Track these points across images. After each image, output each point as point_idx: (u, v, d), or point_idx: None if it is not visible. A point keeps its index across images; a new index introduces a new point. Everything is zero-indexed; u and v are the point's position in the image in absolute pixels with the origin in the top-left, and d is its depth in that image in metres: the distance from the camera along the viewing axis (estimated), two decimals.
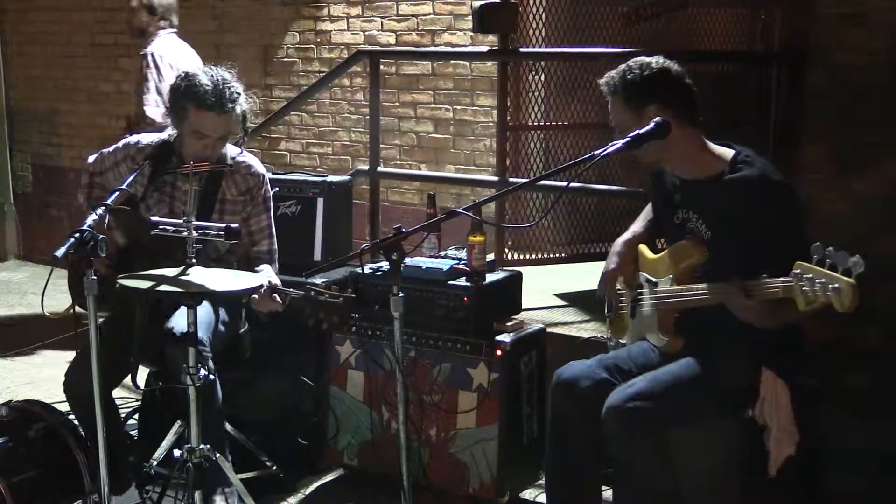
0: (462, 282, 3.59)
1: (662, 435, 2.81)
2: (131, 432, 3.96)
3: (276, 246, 3.61)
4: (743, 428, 2.89)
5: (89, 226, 2.77)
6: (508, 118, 4.64)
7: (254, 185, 3.54)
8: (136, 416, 3.98)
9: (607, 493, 3.18)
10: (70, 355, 3.44)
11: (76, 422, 3.43)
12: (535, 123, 4.76)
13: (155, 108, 5.11)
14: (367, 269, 3.69)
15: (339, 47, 6.15)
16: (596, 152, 2.75)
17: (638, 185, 4.26)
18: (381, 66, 5.05)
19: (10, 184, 8.15)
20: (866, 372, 3.72)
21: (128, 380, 3.30)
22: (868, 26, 4.05)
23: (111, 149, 3.62)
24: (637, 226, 3.24)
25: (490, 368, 3.50)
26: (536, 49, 4.69)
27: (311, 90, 5.40)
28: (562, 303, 4.43)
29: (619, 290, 3.19)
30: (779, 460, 2.79)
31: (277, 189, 3.77)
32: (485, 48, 5.26)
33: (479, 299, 3.55)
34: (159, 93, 5.07)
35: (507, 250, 4.70)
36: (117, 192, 3.02)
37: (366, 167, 4.97)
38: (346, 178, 4.54)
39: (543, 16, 4.69)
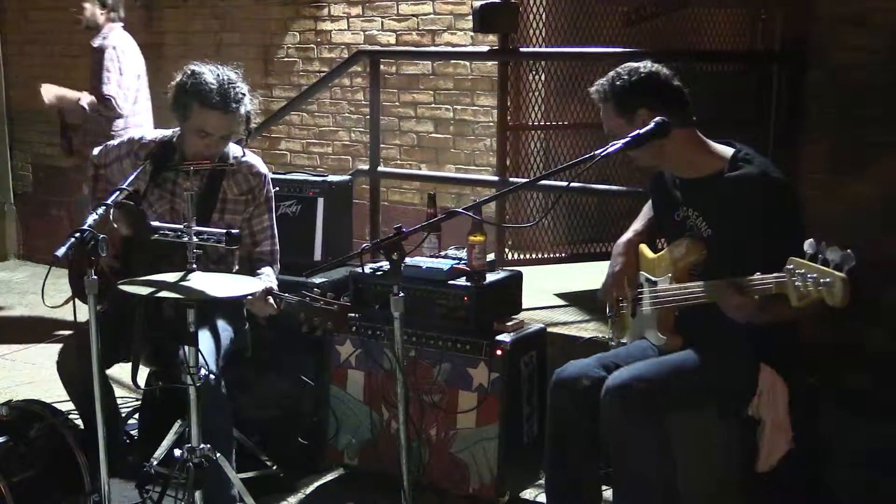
0: (462, 281, 3.60)
1: (660, 418, 2.81)
2: (132, 432, 3.96)
3: (277, 246, 3.61)
4: (742, 424, 2.89)
5: (90, 225, 2.77)
6: (509, 118, 4.64)
7: (256, 185, 3.54)
8: (137, 415, 3.99)
9: (607, 493, 3.18)
10: None
11: (77, 420, 3.44)
12: (536, 123, 4.76)
13: (116, 87, 5.24)
14: (367, 269, 3.69)
15: (339, 47, 6.15)
16: (596, 152, 2.76)
17: (638, 185, 4.26)
18: (382, 66, 5.05)
19: (11, 183, 8.15)
20: (868, 372, 3.73)
21: (129, 380, 3.30)
22: (868, 26, 4.05)
23: (116, 142, 3.64)
24: (637, 225, 3.25)
25: (490, 368, 3.50)
26: (537, 49, 4.70)
27: (312, 90, 5.41)
28: (562, 302, 4.43)
29: (623, 291, 3.20)
30: (772, 457, 2.80)
31: (277, 189, 3.77)
32: (485, 48, 5.26)
33: (479, 299, 3.55)
34: (119, 85, 5.24)
35: (507, 250, 4.70)
36: (118, 192, 3.02)
37: (366, 167, 4.97)
38: (346, 177, 4.54)
39: (544, 16, 4.69)
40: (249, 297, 3.04)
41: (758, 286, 2.55)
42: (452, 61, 5.70)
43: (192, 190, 2.99)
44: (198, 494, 2.97)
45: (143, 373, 3.56)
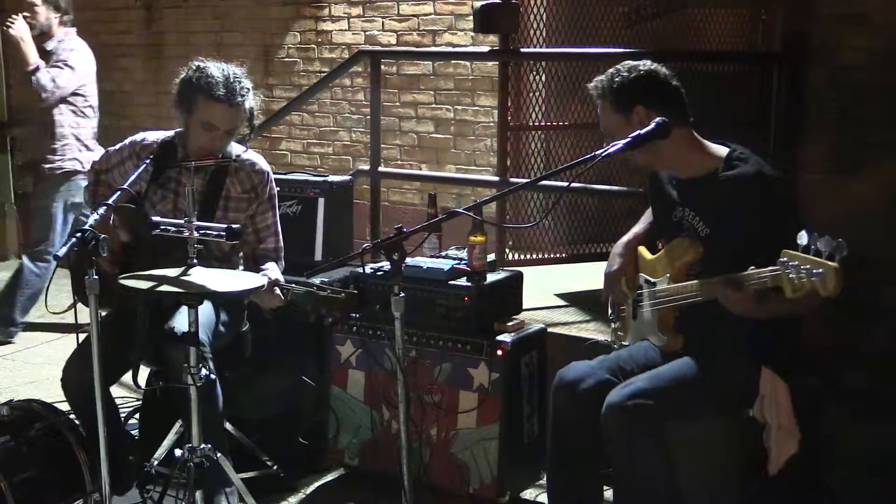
0: (463, 282, 3.60)
1: (662, 433, 2.82)
2: (132, 432, 3.96)
3: (281, 244, 3.61)
4: (743, 427, 2.90)
5: (91, 226, 2.78)
6: (509, 118, 4.64)
7: (258, 183, 3.55)
8: (137, 415, 3.99)
9: (608, 494, 3.18)
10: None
11: (76, 420, 3.44)
12: (536, 123, 4.76)
13: (54, 78, 5.31)
14: (367, 269, 3.69)
15: (339, 47, 6.16)
16: (597, 152, 2.76)
17: (638, 186, 4.26)
18: (382, 66, 5.05)
19: (11, 183, 8.15)
20: (869, 372, 3.73)
21: (129, 379, 3.30)
22: (868, 26, 4.06)
23: (117, 147, 3.64)
24: (638, 227, 3.26)
25: (491, 368, 3.50)
26: (537, 49, 4.70)
27: (312, 90, 5.41)
28: (562, 303, 4.43)
29: (621, 292, 3.20)
30: (780, 459, 2.79)
31: (278, 189, 3.77)
32: (485, 48, 5.27)
33: (479, 299, 3.55)
34: (58, 86, 5.32)
35: (507, 250, 4.70)
36: (119, 192, 3.02)
37: (367, 167, 4.98)
38: (346, 177, 4.54)
39: (544, 16, 4.69)
40: (254, 291, 3.04)
41: (754, 280, 2.56)
42: (453, 61, 5.71)
43: (193, 185, 3.00)
44: (198, 494, 2.97)
45: (144, 373, 3.56)
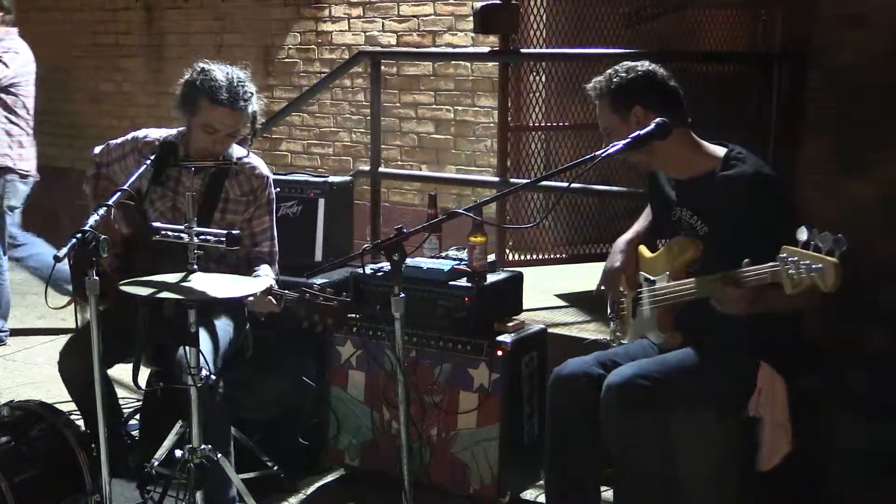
0: (463, 282, 3.60)
1: (659, 415, 2.82)
2: (132, 432, 3.97)
3: (276, 248, 3.62)
4: (741, 422, 2.90)
5: (91, 226, 2.78)
6: (509, 119, 4.64)
7: (257, 187, 3.55)
8: (138, 416, 3.99)
9: (607, 494, 3.18)
10: None
11: (78, 420, 3.44)
12: (536, 124, 4.76)
13: None
14: (368, 270, 3.70)
15: (340, 48, 6.16)
16: (597, 153, 2.77)
17: (638, 186, 4.26)
18: (382, 67, 5.06)
19: None
20: (869, 372, 3.73)
21: (129, 380, 3.30)
22: (868, 27, 4.06)
23: (119, 140, 3.64)
24: (638, 225, 3.27)
25: (491, 369, 3.50)
26: (537, 50, 4.71)
27: (313, 91, 5.41)
28: (563, 303, 4.44)
29: (620, 290, 3.21)
30: (773, 457, 2.80)
31: (279, 189, 3.78)
32: (486, 49, 5.27)
33: (479, 300, 3.55)
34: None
35: (507, 251, 4.70)
36: (119, 192, 3.02)
37: (367, 168, 4.98)
38: (347, 178, 4.54)
39: (544, 17, 4.70)
40: (251, 297, 3.05)
41: (753, 276, 2.56)
42: (453, 62, 5.71)
43: (193, 191, 3.00)
44: (199, 495, 2.97)
45: (144, 373, 3.57)
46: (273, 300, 3.08)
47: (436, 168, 5.83)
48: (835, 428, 3.25)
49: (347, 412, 3.79)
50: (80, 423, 3.46)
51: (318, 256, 4.24)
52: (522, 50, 4.66)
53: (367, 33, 6.03)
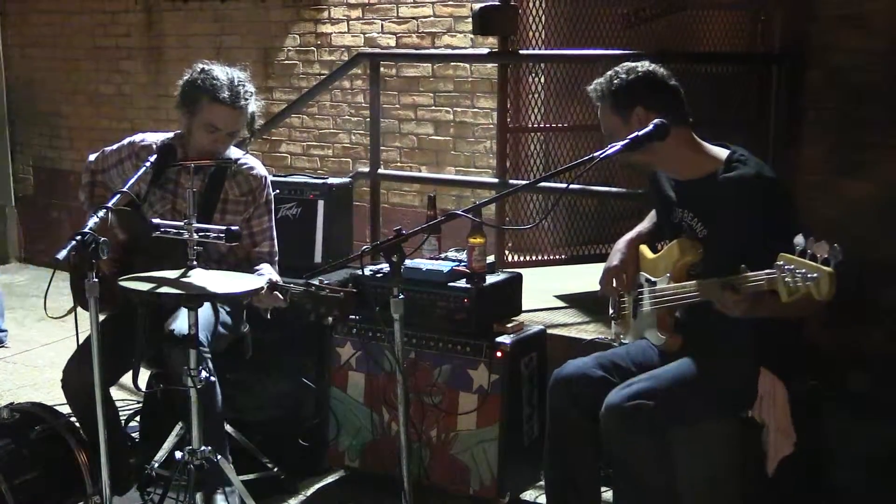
0: (462, 283, 3.60)
1: (662, 434, 2.82)
2: (133, 434, 3.97)
3: (276, 248, 3.62)
4: (743, 428, 2.90)
5: (90, 228, 2.78)
6: (508, 120, 4.64)
7: (256, 187, 3.56)
8: (138, 418, 3.99)
9: (607, 495, 3.18)
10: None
11: (76, 423, 3.44)
12: (535, 125, 4.76)
13: None
14: (367, 271, 3.70)
15: (339, 49, 6.16)
16: (596, 154, 2.77)
17: (638, 187, 4.26)
18: (382, 69, 5.06)
19: (12, 186, 8.17)
20: (868, 373, 3.73)
21: (129, 382, 3.31)
22: (867, 28, 4.06)
23: (114, 146, 3.64)
24: (642, 226, 3.26)
25: (490, 370, 3.50)
26: (536, 51, 4.70)
27: (312, 92, 5.42)
28: (562, 304, 4.44)
29: (620, 289, 3.21)
30: (776, 460, 2.80)
31: (278, 191, 3.78)
32: (485, 50, 5.27)
33: (479, 301, 3.56)
34: None
35: (507, 252, 4.70)
36: (118, 195, 3.02)
37: (366, 169, 4.98)
38: (346, 180, 4.54)
39: (543, 18, 4.70)
40: (253, 294, 3.05)
41: (751, 283, 2.56)
42: (452, 63, 5.71)
43: (193, 187, 3.00)
44: (199, 496, 2.98)
45: (144, 376, 3.57)
46: (279, 295, 3.09)
47: (435, 169, 5.83)
48: (835, 429, 3.25)
49: (347, 413, 3.79)
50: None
51: (318, 258, 4.24)
52: (521, 51, 4.66)
53: (367, 35, 6.04)
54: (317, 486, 3.88)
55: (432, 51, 5.77)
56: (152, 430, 3.73)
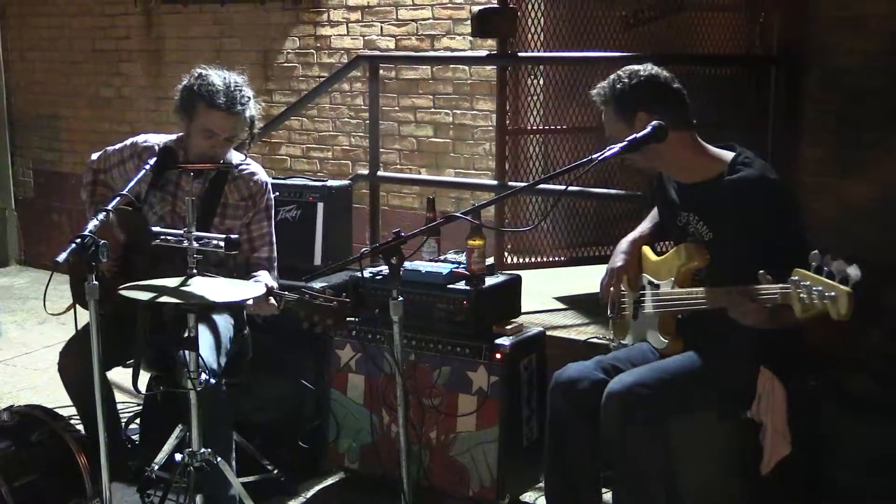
0: (461, 285, 3.60)
1: (660, 423, 2.82)
2: (133, 437, 3.97)
3: (275, 254, 3.63)
4: (741, 426, 2.90)
5: (90, 231, 2.78)
6: (507, 122, 4.65)
7: (256, 192, 3.57)
8: (138, 420, 4.00)
9: (606, 497, 3.19)
10: None
11: (78, 425, 3.45)
12: (534, 127, 4.76)
13: None
14: (366, 274, 3.70)
15: (338, 52, 6.17)
16: (594, 156, 2.77)
17: (637, 189, 4.27)
18: (381, 71, 5.07)
19: (12, 189, 8.17)
20: (868, 373, 3.74)
21: (129, 385, 3.31)
22: (865, 29, 4.07)
23: (117, 146, 3.65)
24: (644, 226, 3.26)
25: (490, 371, 3.51)
26: (535, 53, 4.71)
27: (311, 95, 5.42)
28: (561, 306, 4.44)
29: (622, 290, 3.21)
30: (772, 460, 2.80)
31: (277, 194, 3.79)
32: (484, 53, 5.27)
33: (478, 303, 3.56)
34: None
35: (506, 254, 4.71)
36: (118, 198, 3.03)
37: (366, 171, 4.98)
38: (346, 182, 4.55)
39: (542, 20, 4.70)
40: (251, 301, 3.06)
41: (763, 296, 2.56)
42: (451, 66, 5.72)
43: (193, 195, 3.01)
44: (199, 498, 2.98)
45: (144, 378, 3.57)
46: (273, 302, 3.09)
47: (434, 172, 5.84)
48: (836, 430, 3.25)
49: (347, 415, 3.79)
50: (80, 427, 3.46)
51: (318, 260, 4.24)
52: (520, 53, 4.66)
53: (366, 37, 6.04)
54: (316, 487, 3.88)
55: (431, 53, 5.78)
56: (152, 433, 3.73)
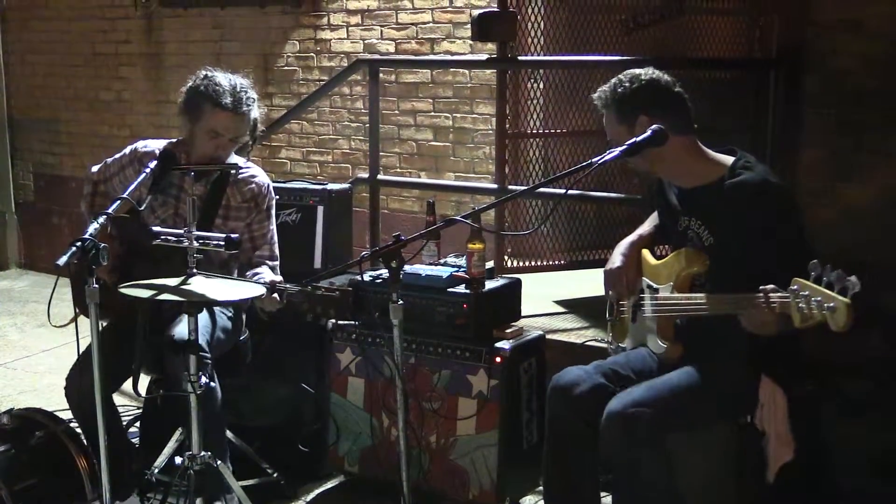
0: (461, 289, 3.61)
1: (661, 442, 2.82)
2: (133, 440, 3.97)
3: (277, 253, 3.64)
4: (743, 434, 2.90)
5: (91, 234, 2.79)
6: (507, 126, 4.65)
7: (258, 194, 3.58)
8: (138, 423, 4.00)
9: (606, 500, 3.19)
10: (72, 363, 3.45)
11: (78, 429, 3.45)
12: (534, 131, 4.77)
13: None
14: (366, 277, 3.70)
15: (338, 56, 6.17)
16: (594, 160, 2.77)
17: (637, 193, 4.27)
18: (381, 75, 5.07)
19: (12, 192, 8.17)
20: (867, 378, 3.73)
21: (129, 388, 3.31)
22: (864, 32, 4.08)
23: (117, 156, 3.66)
24: (643, 229, 3.26)
25: (490, 375, 3.51)
26: (535, 57, 4.71)
27: (312, 98, 5.43)
28: (561, 310, 4.45)
29: (620, 292, 3.21)
30: (776, 468, 2.80)
31: (278, 197, 3.79)
32: (484, 56, 5.28)
33: (478, 306, 3.56)
34: None
35: (506, 257, 4.70)
36: (119, 202, 3.03)
37: (366, 175, 4.99)
38: (346, 185, 4.55)
39: (542, 24, 4.70)
40: (253, 299, 3.06)
41: (763, 304, 2.55)
42: (451, 69, 5.72)
43: (194, 195, 3.02)
44: (199, 502, 2.98)
45: (144, 381, 3.57)
46: (276, 296, 3.10)
47: (434, 175, 5.84)
48: (835, 434, 3.25)
49: (347, 419, 3.79)
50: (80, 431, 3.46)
51: (318, 263, 4.25)
52: (520, 57, 4.66)
53: (366, 41, 6.05)
54: (316, 491, 3.88)
55: (431, 57, 5.79)
56: (152, 436, 3.73)
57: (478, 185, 5.46)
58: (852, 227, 3.97)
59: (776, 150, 4.36)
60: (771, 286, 2.52)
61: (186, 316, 2.95)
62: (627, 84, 2.89)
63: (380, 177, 4.95)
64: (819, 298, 2.35)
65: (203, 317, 3.26)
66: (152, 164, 3.19)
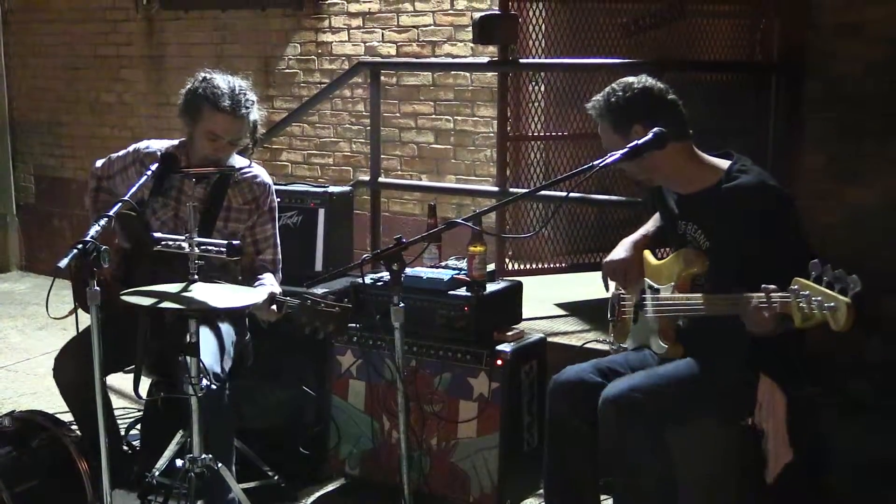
0: (463, 292, 3.61)
1: (656, 429, 2.82)
2: (133, 442, 3.97)
3: (280, 256, 3.64)
4: (743, 433, 2.90)
5: (92, 236, 2.79)
6: (509, 129, 4.65)
7: (260, 195, 3.58)
8: (139, 426, 3.99)
9: (607, 502, 3.19)
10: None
11: (74, 425, 3.45)
12: (536, 134, 4.77)
13: None
14: (367, 280, 3.70)
15: (340, 58, 6.18)
16: (595, 163, 2.78)
17: (637, 196, 4.27)
18: (382, 77, 5.07)
19: (13, 195, 8.18)
20: (868, 380, 3.74)
21: (130, 390, 3.31)
22: (866, 36, 4.08)
23: (121, 153, 3.67)
24: (645, 228, 3.26)
25: (491, 378, 3.51)
26: (536, 60, 4.71)
27: (313, 101, 5.43)
28: (562, 312, 4.45)
29: (621, 293, 3.21)
30: (776, 468, 2.80)
31: (279, 200, 3.79)
32: (485, 59, 5.29)
33: (479, 309, 3.56)
34: None
35: (507, 260, 4.71)
36: (120, 203, 3.03)
37: (367, 178, 4.99)
38: (347, 188, 4.55)
39: (543, 27, 4.71)
40: (252, 306, 3.06)
41: (763, 304, 2.56)
42: (452, 72, 5.73)
43: (195, 201, 3.02)
44: None
45: (145, 383, 3.57)
46: (275, 308, 3.10)
47: (435, 178, 5.85)
48: (835, 435, 3.25)
49: (348, 421, 3.79)
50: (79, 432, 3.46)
51: (319, 266, 4.24)
52: (521, 60, 4.67)
53: (367, 44, 6.05)
54: (317, 494, 3.88)
55: (433, 60, 5.79)
56: (153, 439, 3.73)
57: (479, 187, 5.46)
58: (853, 232, 3.97)
59: (777, 154, 4.36)
60: (772, 286, 2.52)
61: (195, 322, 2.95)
62: (620, 93, 2.89)
63: (381, 179, 4.96)
64: (819, 298, 2.35)
65: (211, 341, 3.26)
66: (154, 167, 3.20)
